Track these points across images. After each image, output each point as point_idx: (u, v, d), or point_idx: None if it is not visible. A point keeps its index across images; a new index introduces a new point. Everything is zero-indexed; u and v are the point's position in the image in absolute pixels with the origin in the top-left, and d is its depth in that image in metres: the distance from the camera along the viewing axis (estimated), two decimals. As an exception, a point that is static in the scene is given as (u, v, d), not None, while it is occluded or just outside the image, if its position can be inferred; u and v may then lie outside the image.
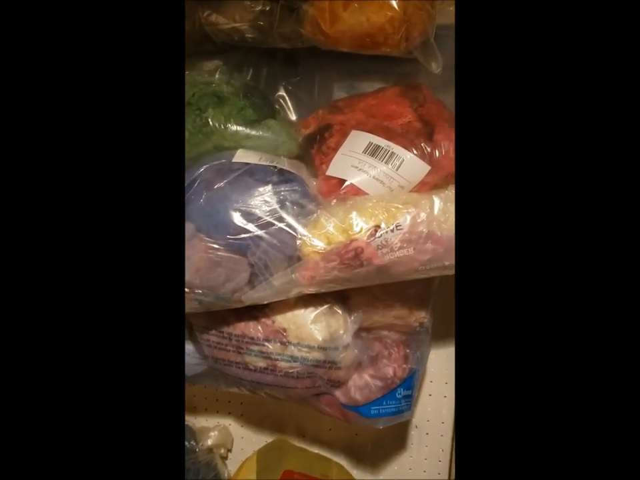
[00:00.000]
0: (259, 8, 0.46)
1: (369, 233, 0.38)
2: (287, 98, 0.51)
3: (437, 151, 0.41)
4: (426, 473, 0.66)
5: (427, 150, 0.41)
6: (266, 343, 0.45)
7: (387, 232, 0.38)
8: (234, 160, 0.41)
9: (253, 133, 0.44)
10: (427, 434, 0.65)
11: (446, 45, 0.46)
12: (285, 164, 0.42)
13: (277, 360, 0.45)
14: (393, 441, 0.67)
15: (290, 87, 0.51)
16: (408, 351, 0.49)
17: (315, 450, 0.68)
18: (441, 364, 0.62)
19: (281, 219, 0.39)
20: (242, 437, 0.71)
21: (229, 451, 0.70)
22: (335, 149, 0.43)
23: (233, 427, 0.71)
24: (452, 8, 0.50)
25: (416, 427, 0.65)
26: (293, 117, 0.51)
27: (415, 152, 0.40)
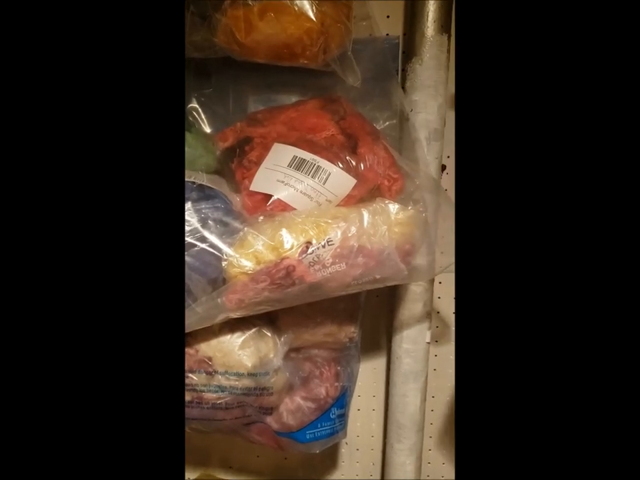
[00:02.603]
0: (167, 14, 0.43)
1: (300, 249, 0.36)
2: (200, 110, 0.48)
3: (361, 164, 0.40)
4: (358, 489, 0.65)
5: (352, 163, 0.40)
6: (190, 375, 0.42)
7: (318, 248, 0.36)
8: (147, 176, 0.38)
9: (167, 146, 0.40)
10: (358, 450, 0.64)
11: (361, 59, 0.46)
12: (204, 179, 0.39)
13: (203, 391, 0.42)
14: (324, 461, 0.65)
15: (203, 99, 0.49)
16: (339, 368, 0.48)
17: (242, 481, 0.65)
18: (368, 377, 0.61)
19: (203, 239, 0.36)
20: (161, 477, 0.66)
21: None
22: (257, 163, 0.41)
23: (151, 467, 0.65)
24: (365, 23, 0.50)
25: (346, 443, 0.64)
26: (208, 130, 0.48)
27: (340, 165, 0.40)
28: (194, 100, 0.48)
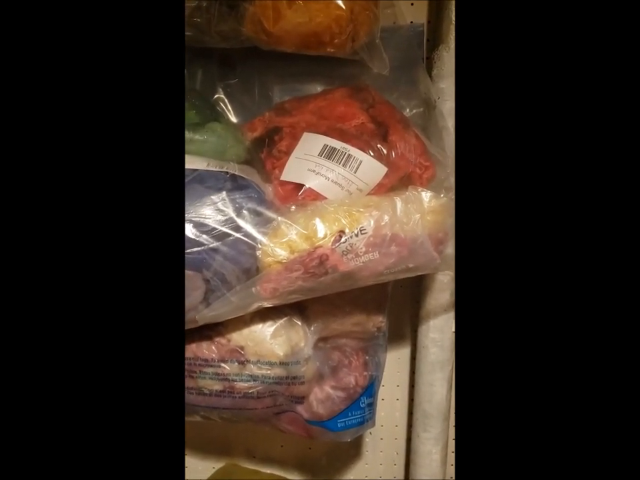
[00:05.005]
0: (195, 4, 0.43)
1: (333, 238, 0.36)
2: (226, 101, 0.48)
3: (393, 152, 0.40)
4: (382, 478, 0.66)
5: (383, 151, 0.40)
6: (222, 364, 0.42)
7: (351, 236, 0.36)
8: (179, 167, 0.38)
9: (197, 137, 0.40)
10: (382, 439, 0.65)
11: (386, 47, 0.46)
12: (236, 169, 0.39)
13: (235, 381, 0.42)
14: (348, 450, 0.65)
15: (229, 89, 0.48)
16: (367, 357, 0.48)
17: (267, 470, 0.65)
18: (392, 367, 0.61)
19: (238, 229, 0.36)
20: (186, 466, 0.66)
21: (173, 483, 0.65)
22: (287, 153, 0.41)
23: (176, 456, 0.66)
24: (389, 10, 0.50)
25: (370, 433, 0.64)
26: (234, 120, 0.48)
27: (371, 154, 0.39)
28: (220, 90, 0.48)
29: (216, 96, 0.48)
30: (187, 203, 0.36)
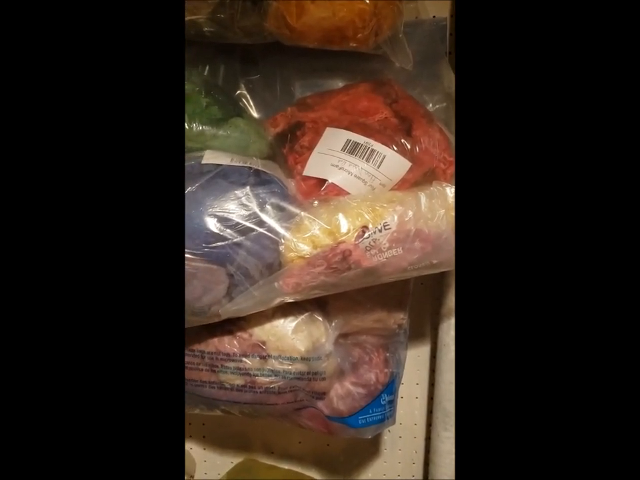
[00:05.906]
0: (218, 0, 0.43)
1: (356, 234, 0.36)
2: (248, 97, 0.48)
3: (416, 147, 0.40)
4: (400, 476, 0.65)
5: (406, 146, 0.39)
6: (243, 359, 0.42)
7: (375, 232, 0.36)
8: (203, 162, 0.38)
9: (220, 132, 0.40)
10: (400, 437, 0.64)
11: (408, 41, 0.45)
12: (259, 164, 0.39)
13: (256, 376, 0.42)
14: (366, 448, 0.65)
15: (251, 85, 0.49)
16: (388, 354, 0.48)
17: (285, 466, 0.65)
18: (411, 365, 0.61)
19: (261, 224, 0.36)
20: (205, 461, 0.67)
21: (192, 477, 0.66)
22: (310, 148, 0.41)
23: (195, 450, 0.66)
24: (412, 5, 0.49)
25: (389, 431, 0.64)
26: (256, 116, 0.48)
27: (395, 148, 0.39)
28: (242, 86, 0.48)
29: (238, 92, 0.48)
30: (210, 198, 0.36)
